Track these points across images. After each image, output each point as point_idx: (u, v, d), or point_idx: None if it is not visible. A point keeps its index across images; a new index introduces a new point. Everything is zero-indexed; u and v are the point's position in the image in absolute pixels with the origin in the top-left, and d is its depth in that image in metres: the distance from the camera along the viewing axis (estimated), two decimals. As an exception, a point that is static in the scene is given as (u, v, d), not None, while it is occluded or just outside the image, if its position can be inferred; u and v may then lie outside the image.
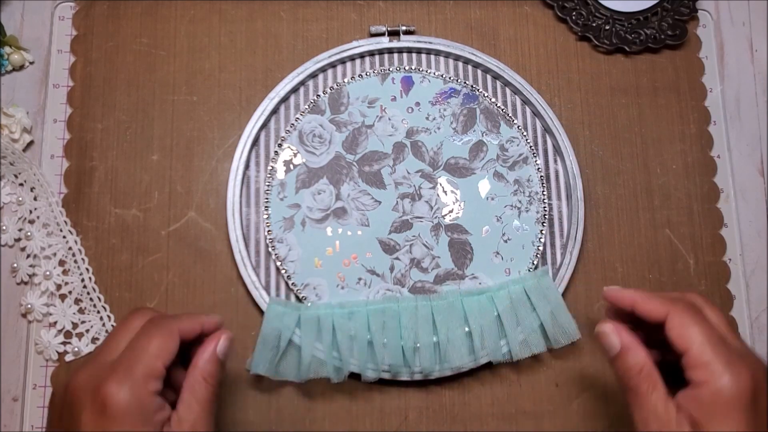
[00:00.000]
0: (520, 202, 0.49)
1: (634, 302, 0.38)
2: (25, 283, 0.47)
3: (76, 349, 0.46)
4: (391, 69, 0.51)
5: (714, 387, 0.34)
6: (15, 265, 0.47)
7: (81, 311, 0.47)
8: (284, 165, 0.49)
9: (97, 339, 0.46)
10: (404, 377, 0.45)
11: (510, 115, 0.50)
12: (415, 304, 0.46)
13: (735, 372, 0.34)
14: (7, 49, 0.50)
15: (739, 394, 0.34)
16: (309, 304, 0.46)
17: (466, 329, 0.45)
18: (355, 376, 0.45)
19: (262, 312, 0.46)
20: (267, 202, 0.48)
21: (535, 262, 0.48)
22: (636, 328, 0.38)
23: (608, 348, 0.38)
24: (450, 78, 0.51)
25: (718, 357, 0.35)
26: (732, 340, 0.36)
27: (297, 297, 0.47)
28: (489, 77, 0.51)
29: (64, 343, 0.46)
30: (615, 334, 0.38)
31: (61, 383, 0.36)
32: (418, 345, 0.45)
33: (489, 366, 0.46)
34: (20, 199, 0.48)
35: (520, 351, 0.45)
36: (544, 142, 0.50)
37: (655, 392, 0.36)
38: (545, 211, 0.49)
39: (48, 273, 0.47)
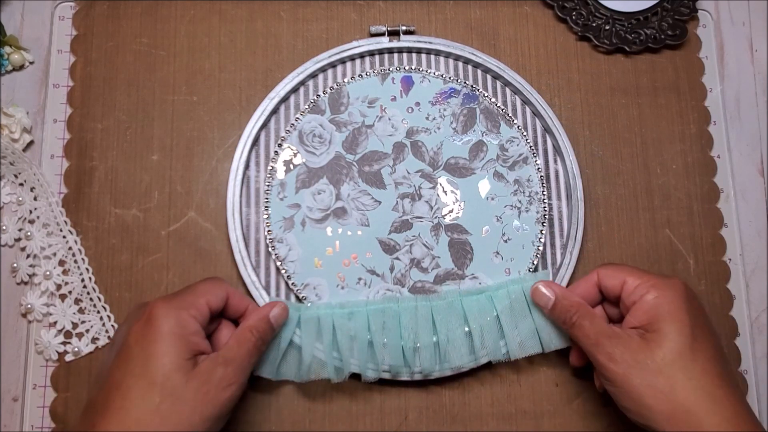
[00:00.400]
0: (520, 202, 0.49)
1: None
2: (25, 283, 0.47)
3: (76, 349, 0.46)
4: (391, 69, 0.51)
5: (653, 295, 0.39)
6: (15, 265, 0.47)
7: (81, 311, 0.47)
8: (284, 165, 0.49)
9: (97, 339, 0.46)
10: (404, 377, 0.45)
11: (510, 115, 0.51)
12: (415, 304, 0.46)
13: (668, 280, 0.40)
14: (7, 49, 0.50)
15: (677, 295, 0.39)
16: (309, 304, 0.46)
17: (466, 329, 0.45)
18: (355, 376, 0.45)
19: (262, 312, 0.46)
20: (267, 202, 0.48)
21: (535, 262, 0.48)
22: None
23: (545, 302, 0.44)
24: (450, 78, 0.51)
25: (651, 274, 0.41)
26: None
27: (297, 297, 0.47)
28: (489, 77, 0.51)
29: (64, 343, 0.46)
30: (547, 287, 0.44)
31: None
32: (418, 345, 0.45)
33: (489, 366, 0.46)
34: (20, 198, 0.48)
35: (519, 351, 0.45)
36: (544, 142, 0.50)
37: (595, 319, 0.41)
38: (545, 211, 0.49)
39: (48, 273, 0.47)
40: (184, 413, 0.36)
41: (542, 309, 0.44)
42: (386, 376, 0.45)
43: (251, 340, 0.40)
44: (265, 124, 0.49)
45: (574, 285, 0.45)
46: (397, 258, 0.48)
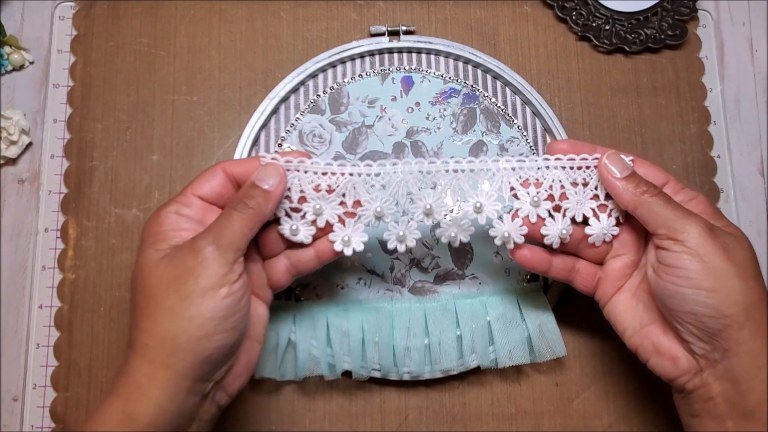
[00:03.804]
0: (520, 202, 0.49)
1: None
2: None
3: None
4: (391, 69, 0.51)
5: (700, 198, 0.39)
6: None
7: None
8: (284, 165, 0.49)
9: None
10: (393, 377, 0.45)
11: (510, 115, 0.51)
12: (409, 306, 0.46)
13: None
14: (7, 49, 0.50)
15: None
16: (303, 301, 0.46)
17: (458, 332, 0.45)
18: (349, 375, 0.45)
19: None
20: (267, 202, 0.48)
21: (535, 262, 0.48)
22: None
23: (622, 167, 0.39)
24: (450, 78, 0.51)
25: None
26: None
27: (297, 297, 0.47)
28: (489, 77, 0.51)
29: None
30: (619, 159, 0.39)
31: None
32: (409, 346, 0.45)
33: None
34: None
35: (507, 359, 0.45)
36: (544, 142, 0.50)
37: (666, 194, 0.38)
38: (545, 211, 0.49)
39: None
40: (158, 298, 0.34)
41: (610, 180, 0.39)
42: (376, 374, 0.45)
43: (232, 207, 0.36)
44: (265, 124, 0.49)
45: (598, 147, 0.41)
46: (397, 258, 0.48)
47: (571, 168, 0.40)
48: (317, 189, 0.39)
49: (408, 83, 0.51)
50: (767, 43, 0.54)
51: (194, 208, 0.37)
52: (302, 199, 0.39)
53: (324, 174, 0.39)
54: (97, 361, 0.46)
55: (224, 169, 0.38)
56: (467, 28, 0.53)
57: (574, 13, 0.53)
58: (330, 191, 0.39)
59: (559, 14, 0.53)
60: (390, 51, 0.51)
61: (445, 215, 0.39)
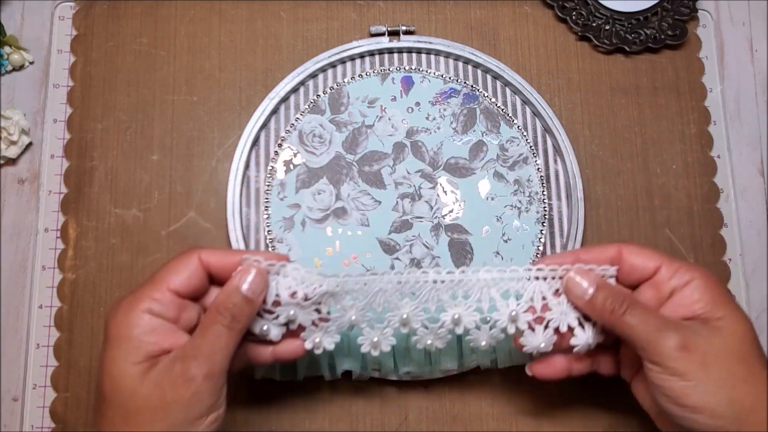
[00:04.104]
0: (520, 202, 0.49)
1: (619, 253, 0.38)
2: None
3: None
4: (391, 69, 0.51)
5: (702, 281, 0.37)
6: None
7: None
8: (284, 165, 0.49)
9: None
10: (392, 377, 0.45)
11: (510, 115, 0.51)
12: None
13: (698, 266, 0.38)
14: (7, 49, 0.50)
15: (718, 280, 0.37)
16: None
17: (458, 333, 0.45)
18: (348, 375, 0.45)
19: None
20: (267, 202, 0.48)
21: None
22: None
23: (581, 292, 0.37)
24: (450, 78, 0.51)
25: (678, 259, 0.38)
26: None
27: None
28: (489, 77, 0.51)
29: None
30: (583, 276, 0.37)
31: None
32: (409, 347, 0.45)
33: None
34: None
35: (506, 360, 0.45)
36: (544, 142, 0.50)
37: (652, 308, 0.36)
38: (545, 211, 0.49)
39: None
40: (142, 424, 0.31)
41: (575, 301, 0.38)
42: (375, 374, 0.45)
43: (220, 322, 0.34)
44: (265, 124, 0.49)
45: (586, 249, 0.40)
46: (397, 258, 0.48)
47: (553, 278, 0.39)
48: (293, 296, 0.37)
49: (408, 83, 0.51)
50: (767, 43, 0.54)
51: (168, 305, 0.34)
52: (277, 303, 0.37)
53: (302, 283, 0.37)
54: (97, 361, 0.46)
55: (200, 257, 0.35)
56: (467, 28, 0.53)
57: (574, 13, 0.53)
58: (306, 299, 0.37)
59: (559, 14, 0.53)
60: (390, 51, 0.51)
61: (423, 325, 0.39)
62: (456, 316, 0.38)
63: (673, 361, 0.34)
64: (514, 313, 0.38)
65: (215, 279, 0.36)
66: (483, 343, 0.39)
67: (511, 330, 0.38)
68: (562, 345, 0.39)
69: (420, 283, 0.38)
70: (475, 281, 0.39)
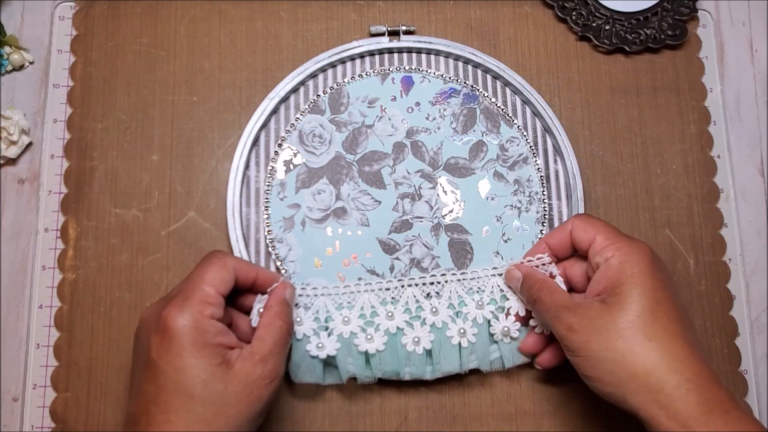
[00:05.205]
0: (520, 202, 0.49)
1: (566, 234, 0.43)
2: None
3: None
4: (391, 69, 0.51)
5: (618, 260, 0.39)
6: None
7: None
8: (284, 165, 0.49)
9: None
10: (393, 378, 0.45)
11: (510, 115, 0.51)
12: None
13: (633, 243, 0.40)
14: (7, 49, 0.50)
15: (641, 258, 0.39)
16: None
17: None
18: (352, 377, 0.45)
19: (262, 312, 0.46)
20: (267, 202, 0.48)
21: (535, 262, 0.48)
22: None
23: (515, 283, 0.44)
24: (450, 78, 0.51)
25: (619, 235, 0.40)
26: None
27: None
28: (489, 77, 0.51)
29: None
30: (516, 268, 0.44)
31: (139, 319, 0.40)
32: (410, 348, 0.45)
33: (489, 366, 0.46)
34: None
35: (511, 359, 0.45)
36: (544, 142, 0.50)
37: (555, 292, 0.41)
38: (545, 211, 0.49)
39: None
40: (231, 416, 0.36)
41: (515, 290, 0.45)
42: (378, 374, 0.45)
43: (282, 327, 0.40)
44: (265, 124, 0.49)
45: (551, 233, 0.44)
46: (397, 258, 0.48)
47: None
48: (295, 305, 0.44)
49: (408, 83, 0.51)
50: (767, 43, 0.54)
51: (220, 308, 0.38)
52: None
53: (300, 295, 0.45)
54: (97, 361, 0.46)
55: (233, 265, 0.40)
56: (467, 28, 0.53)
57: (574, 13, 0.53)
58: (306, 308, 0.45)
59: (559, 14, 0.53)
60: (390, 51, 0.51)
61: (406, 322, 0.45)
62: (434, 310, 0.45)
63: (565, 340, 0.39)
64: (479, 303, 0.45)
65: (239, 285, 0.41)
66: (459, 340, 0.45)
67: (480, 320, 0.45)
68: (534, 331, 0.45)
69: (398, 288, 0.46)
70: (445, 282, 0.46)
